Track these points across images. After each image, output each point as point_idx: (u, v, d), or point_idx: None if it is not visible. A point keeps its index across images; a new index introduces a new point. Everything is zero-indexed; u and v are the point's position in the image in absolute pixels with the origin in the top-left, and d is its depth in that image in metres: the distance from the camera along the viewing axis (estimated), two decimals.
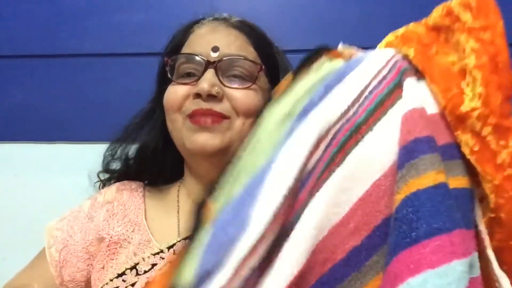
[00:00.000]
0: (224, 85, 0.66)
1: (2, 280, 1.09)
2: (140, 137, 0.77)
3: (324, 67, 0.49)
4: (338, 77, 0.45)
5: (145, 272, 0.64)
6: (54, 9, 1.15)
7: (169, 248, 0.66)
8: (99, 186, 0.82)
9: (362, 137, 0.41)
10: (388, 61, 0.48)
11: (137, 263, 0.65)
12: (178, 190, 0.76)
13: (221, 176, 0.41)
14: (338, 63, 0.50)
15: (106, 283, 0.65)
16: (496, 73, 0.41)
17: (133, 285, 0.63)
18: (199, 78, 0.66)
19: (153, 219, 0.72)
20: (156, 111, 0.76)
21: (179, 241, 0.66)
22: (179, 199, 0.74)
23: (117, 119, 1.14)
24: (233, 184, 0.39)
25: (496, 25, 0.43)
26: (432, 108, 0.43)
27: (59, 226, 0.75)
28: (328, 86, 0.44)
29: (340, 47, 0.53)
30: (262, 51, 0.73)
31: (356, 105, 0.43)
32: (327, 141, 0.41)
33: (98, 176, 0.82)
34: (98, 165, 1.09)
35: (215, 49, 0.67)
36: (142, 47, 1.12)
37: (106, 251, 0.68)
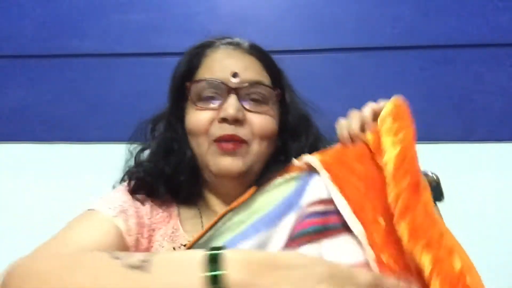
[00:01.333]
0: (246, 109, 0.72)
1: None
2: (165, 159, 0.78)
3: (281, 187, 0.63)
4: (296, 197, 0.61)
5: None
6: (54, 9, 1.15)
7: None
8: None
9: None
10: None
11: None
12: (199, 208, 0.80)
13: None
14: (291, 186, 0.63)
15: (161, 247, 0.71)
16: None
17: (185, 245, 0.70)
18: (222, 103, 0.72)
19: (184, 219, 0.77)
20: (177, 132, 0.78)
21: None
22: (201, 211, 0.79)
23: (117, 119, 1.14)
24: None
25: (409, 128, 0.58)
26: None
27: (110, 202, 0.72)
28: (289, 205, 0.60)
29: (296, 162, 0.65)
30: (273, 74, 0.78)
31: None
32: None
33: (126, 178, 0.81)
34: (98, 165, 1.09)
35: (235, 74, 0.72)
36: (142, 47, 1.12)
37: (148, 230, 0.73)
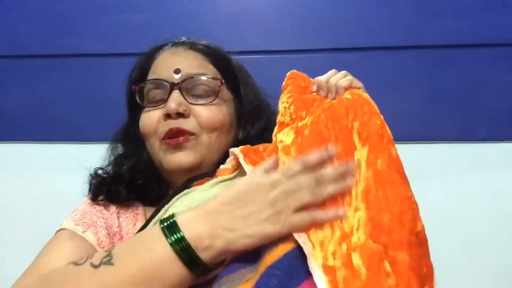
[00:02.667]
0: (190, 103, 0.73)
1: (2, 279, 1.09)
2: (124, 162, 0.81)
3: (218, 186, 0.63)
4: None
5: None
6: (54, 9, 1.15)
7: None
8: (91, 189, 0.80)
9: None
10: None
11: None
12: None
13: None
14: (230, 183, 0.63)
15: None
16: None
17: None
18: (167, 99, 0.73)
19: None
20: (137, 137, 0.80)
21: None
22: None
23: (117, 119, 1.14)
24: None
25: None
26: None
27: (77, 218, 0.75)
28: None
29: (221, 167, 0.67)
30: (221, 66, 0.79)
31: None
32: None
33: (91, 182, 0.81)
34: (98, 165, 1.08)
35: (177, 71, 0.74)
36: (142, 47, 1.12)
37: (119, 239, 0.74)
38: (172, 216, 0.53)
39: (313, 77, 0.80)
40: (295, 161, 0.55)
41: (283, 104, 0.65)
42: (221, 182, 0.64)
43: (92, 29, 1.13)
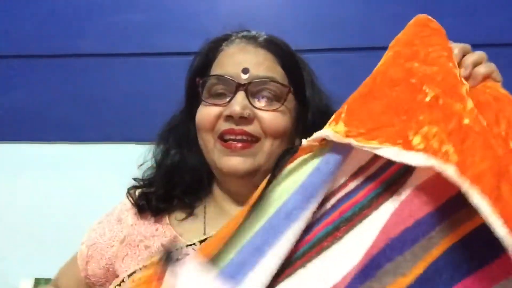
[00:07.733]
0: (254, 107, 0.69)
1: (1, 279, 1.09)
2: (172, 153, 0.78)
3: (302, 169, 0.56)
4: (320, 178, 0.54)
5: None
6: (54, 9, 1.15)
7: (201, 242, 0.69)
8: (130, 192, 0.78)
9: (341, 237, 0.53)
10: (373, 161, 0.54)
11: None
12: (205, 203, 0.78)
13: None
14: (313, 163, 0.56)
15: (134, 272, 0.69)
16: None
17: None
18: (231, 99, 0.69)
19: (178, 223, 0.75)
20: (189, 129, 0.77)
21: (210, 237, 0.67)
22: (206, 208, 0.77)
23: (117, 119, 1.14)
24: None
25: None
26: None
27: (95, 228, 0.79)
28: (313, 189, 0.54)
29: (304, 142, 0.58)
30: (289, 70, 0.75)
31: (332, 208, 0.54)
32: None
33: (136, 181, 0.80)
34: (98, 165, 1.09)
35: (245, 70, 0.69)
36: (142, 47, 1.12)
37: (128, 245, 0.74)
38: None
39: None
40: None
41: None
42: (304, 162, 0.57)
43: (92, 29, 1.13)
